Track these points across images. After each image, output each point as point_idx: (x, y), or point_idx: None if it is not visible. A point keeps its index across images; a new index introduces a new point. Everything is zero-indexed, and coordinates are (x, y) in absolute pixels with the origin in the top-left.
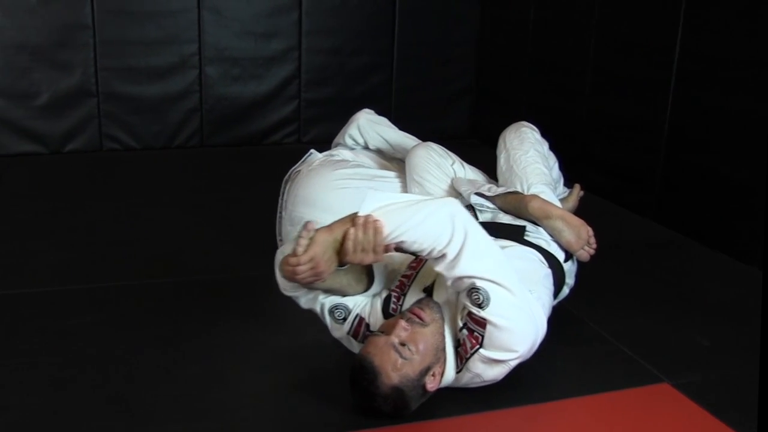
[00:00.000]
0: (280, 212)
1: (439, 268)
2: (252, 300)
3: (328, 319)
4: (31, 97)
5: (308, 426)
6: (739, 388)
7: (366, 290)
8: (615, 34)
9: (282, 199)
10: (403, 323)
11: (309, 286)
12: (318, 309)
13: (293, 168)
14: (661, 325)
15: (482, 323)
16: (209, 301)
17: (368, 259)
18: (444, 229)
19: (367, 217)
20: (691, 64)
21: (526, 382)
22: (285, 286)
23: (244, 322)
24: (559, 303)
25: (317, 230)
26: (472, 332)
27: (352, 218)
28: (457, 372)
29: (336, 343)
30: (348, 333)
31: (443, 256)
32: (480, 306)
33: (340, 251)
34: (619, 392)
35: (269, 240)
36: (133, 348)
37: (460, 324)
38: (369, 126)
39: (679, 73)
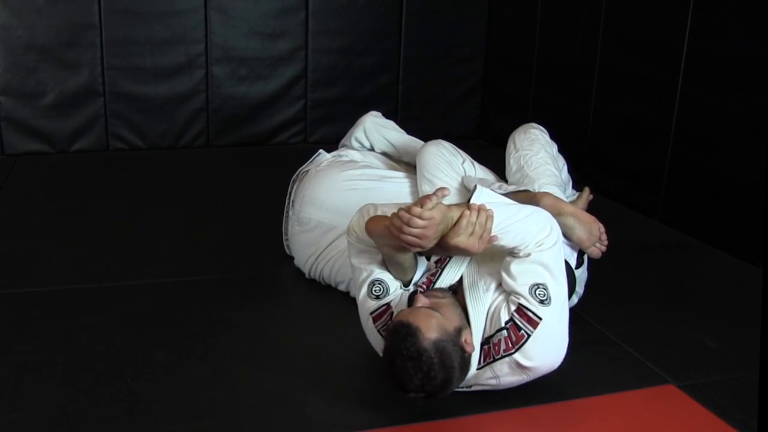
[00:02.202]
0: (287, 211)
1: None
2: (258, 300)
3: (364, 288)
4: (38, 96)
5: (313, 426)
6: (745, 390)
7: (410, 279)
8: (622, 34)
9: (289, 199)
10: (422, 297)
11: (390, 248)
12: (365, 274)
13: (301, 168)
14: (667, 326)
15: (535, 322)
16: (215, 301)
17: (474, 243)
18: (544, 227)
19: (481, 205)
20: (698, 64)
21: (532, 382)
22: (360, 235)
23: (250, 321)
24: None
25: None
26: (518, 330)
27: (467, 204)
28: (479, 368)
29: (341, 343)
30: (371, 313)
31: (539, 244)
32: (542, 302)
33: (451, 230)
34: (624, 393)
35: (275, 240)
36: (139, 347)
37: (503, 323)
38: (375, 129)
39: (686, 73)
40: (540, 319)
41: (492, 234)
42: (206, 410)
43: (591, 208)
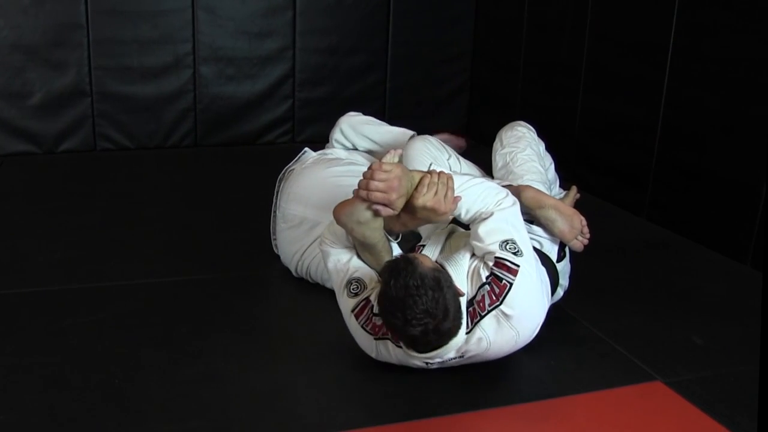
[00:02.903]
0: (274, 211)
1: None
2: (247, 300)
3: (343, 290)
4: (24, 96)
5: (304, 425)
6: (731, 385)
7: None
8: (609, 33)
9: (276, 198)
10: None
11: (356, 226)
12: (341, 276)
13: (287, 166)
14: (654, 323)
15: (515, 270)
16: (204, 301)
17: (440, 202)
18: (500, 190)
19: (440, 170)
20: (684, 63)
21: (521, 380)
22: (331, 237)
23: (239, 321)
24: (553, 302)
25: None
26: (500, 281)
27: (427, 171)
28: (467, 332)
29: (331, 342)
30: (352, 311)
31: (499, 204)
32: (515, 254)
33: (415, 191)
34: (612, 390)
35: (264, 239)
36: (128, 347)
37: (483, 278)
38: (353, 129)
39: (672, 71)
40: (518, 266)
41: (455, 195)
42: (196, 410)
43: (578, 206)
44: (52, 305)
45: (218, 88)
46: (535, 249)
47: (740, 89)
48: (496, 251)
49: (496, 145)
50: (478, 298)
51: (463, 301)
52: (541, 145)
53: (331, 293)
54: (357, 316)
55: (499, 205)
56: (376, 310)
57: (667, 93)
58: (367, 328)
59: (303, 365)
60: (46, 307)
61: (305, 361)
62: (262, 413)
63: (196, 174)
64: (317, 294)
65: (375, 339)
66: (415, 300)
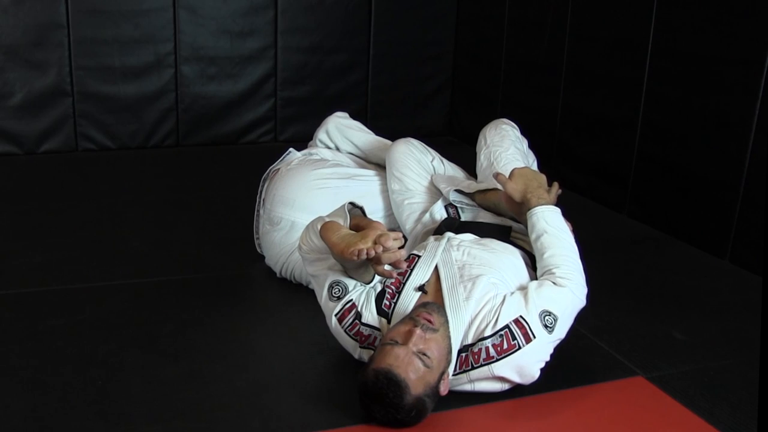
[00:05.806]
0: (258, 210)
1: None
2: (229, 299)
3: (324, 292)
4: (5, 97)
5: (286, 425)
6: (711, 379)
7: (371, 281)
8: (589, 32)
9: (260, 198)
10: (419, 332)
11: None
12: (321, 279)
13: (272, 166)
14: (635, 319)
15: (529, 338)
16: (186, 301)
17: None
18: (580, 273)
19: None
20: (663, 61)
21: None
22: (311, 246)
23: (222, 321)
24: None
25: None
26: (512, 339)
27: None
28: (454, 374)
29: (313, 342)
30: (336, 314)
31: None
32: (546, 327)
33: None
34: (594, 386)
35: (246, 239)
36: (111, 348)
37: (490, 331)
38: (338, 132)
39: (651, 70)
40: (534, 337)
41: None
42: (179, 411)
43: (560, 203)
44: (34, 306)
45: (200, 87)
46: (524, 250)
47: (719, 87)
48: (532, 312)
49: (480, 143)
50: (475, 349)
51: (456, 346)
52: (524, 143)
53: (314, 294)
54: (340, 320)
55: (573, 281)
56: (365, 319)
57: (647, 91)
58: (351, 334)
59: (286, 365)
60: (28, 308)
61: (288, 361)
62: (245, 413)
63: (179, 174)
64: (300, 294)
65: (360, 347)
66: (383, 415)
